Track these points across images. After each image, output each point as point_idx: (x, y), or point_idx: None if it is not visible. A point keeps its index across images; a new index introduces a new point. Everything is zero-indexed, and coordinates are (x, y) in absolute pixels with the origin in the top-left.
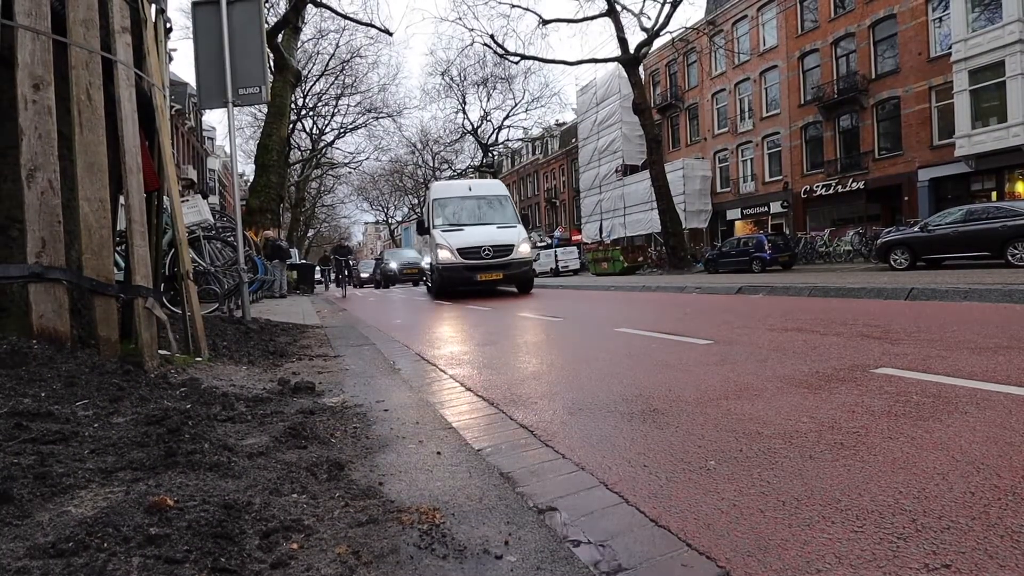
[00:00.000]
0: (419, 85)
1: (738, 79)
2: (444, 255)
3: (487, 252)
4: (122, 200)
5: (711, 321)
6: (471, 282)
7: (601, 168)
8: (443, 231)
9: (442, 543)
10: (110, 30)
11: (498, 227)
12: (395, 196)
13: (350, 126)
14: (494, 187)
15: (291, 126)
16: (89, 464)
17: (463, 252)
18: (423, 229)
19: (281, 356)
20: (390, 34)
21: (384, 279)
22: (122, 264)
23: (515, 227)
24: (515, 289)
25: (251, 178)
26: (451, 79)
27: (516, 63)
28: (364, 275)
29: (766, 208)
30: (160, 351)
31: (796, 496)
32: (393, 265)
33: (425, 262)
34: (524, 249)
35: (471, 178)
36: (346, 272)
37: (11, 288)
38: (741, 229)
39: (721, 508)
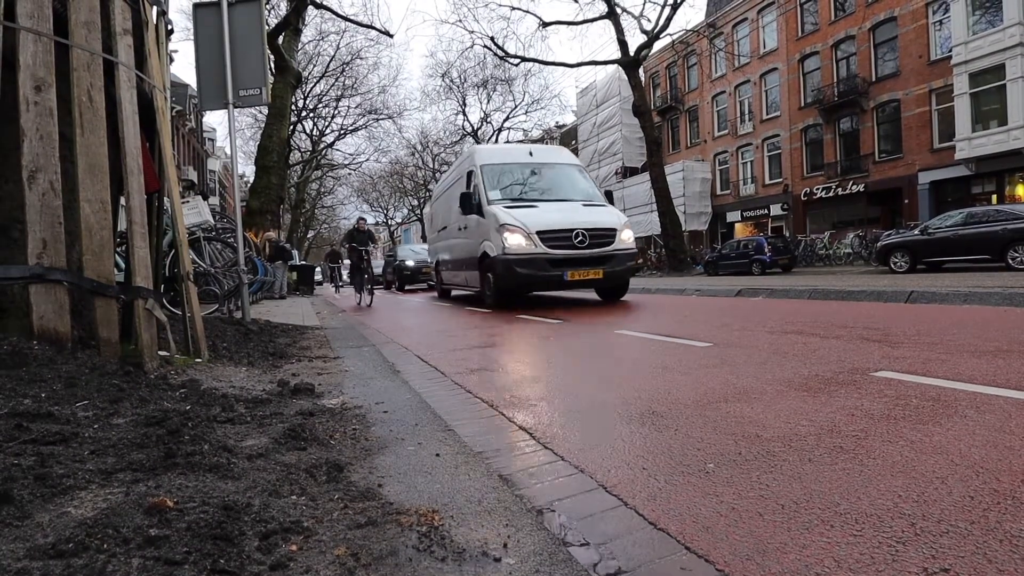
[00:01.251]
0: (419, 87)
1: (738, 81)
2: (515, 241)
3: (580, 239)
4: (123, 201)
5: (711, 324)
6: (555, 283)
7: (601, 170)
8: (506, 208)
9: (441, 545)
10: (111, 32)
11: (584, 204)
12: (395, 197)
13: (350, 128)
14: (562, 154)
15: (291, 128)
16: (89, 465)
17: (546, 238)
18: (469, 206)
19: (281, 357)
20: (390, 36)
21: (399, 279)
22: (122, 265)
23: (606, 205)
24: (597, 295)
25: (251, 179)
26: (451, 81)
27: (516, 65)
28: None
29: (766, 210)
30: (160, 352)
31: (795, 499)
32: (410, 263)
33: (452, 255)
34: (628, 237)
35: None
36: (367, 270)
37: (12, 289)
38: (741, 231)
39: (720, 511)
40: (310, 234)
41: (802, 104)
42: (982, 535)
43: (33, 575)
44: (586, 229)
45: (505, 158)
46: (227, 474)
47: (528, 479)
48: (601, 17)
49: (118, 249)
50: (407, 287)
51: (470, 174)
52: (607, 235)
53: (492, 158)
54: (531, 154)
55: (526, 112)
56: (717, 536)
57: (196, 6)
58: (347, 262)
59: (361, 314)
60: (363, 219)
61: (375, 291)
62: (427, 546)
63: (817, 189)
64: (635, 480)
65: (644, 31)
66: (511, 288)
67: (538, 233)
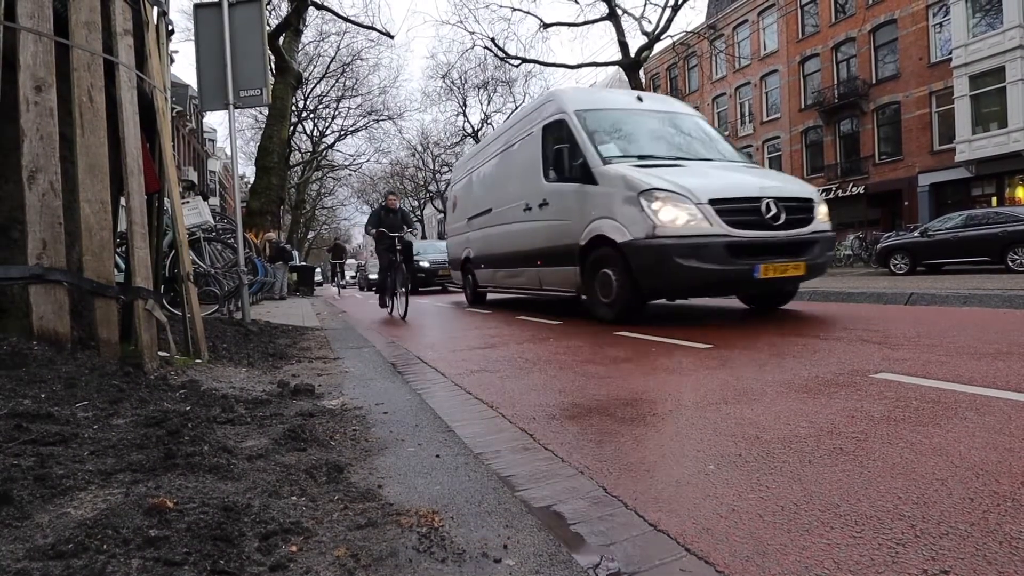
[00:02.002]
0: (420, 88)
1: (739, 83)
2: (671, 215)
3: (772, 213)
4: (123, 202)
5: (710, 325)
6: (740, 282)
7: None
8: (637, 167)
9: (441, 546)
10: (112, 32)
11: (747, 167)
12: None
13: (351, 128)
14: (677, 103)
15: (292, 128)
16: (89, 466)
17: (724, 209)
18: (565, 168)
19: (281, 358)
20: (391, 37)
21: (412, 281)
22: (122, 265)
23: (762, 167)
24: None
25: (251, 180)
26: (452, 82)
27: (517, 66)
28: (372, 276)
29: None
30: (160, 353)
31: (795, 501)
32: (425, 263)
33: (504, 247)
34: (825, 214)
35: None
36: (403, 265)
37: (12, 289)
38: None
39: (720, 513)
40: (310, 235)
41: (802, 106)
42: (982, 537)
43: None
44: (777, 199)
45: (607, 103)
46: (227, 475)
47: (528, 480)
48: (602, 18)
49: (118, 249)
50: (421, 289)
51: (551, 127)
52: (804, 209)
53: (589, 102)
54: (640, 99)
55: None
56: (717, 537)
57: (197, 6)
58: (351, 261)
59: (394, 327)
60: (392, 194)
61: (382, 297)
62: (427, 547)
63: (817, 191)
64: (635, 481)
65: (645, 32)
66: (667, 291)
67: (711, 202)
